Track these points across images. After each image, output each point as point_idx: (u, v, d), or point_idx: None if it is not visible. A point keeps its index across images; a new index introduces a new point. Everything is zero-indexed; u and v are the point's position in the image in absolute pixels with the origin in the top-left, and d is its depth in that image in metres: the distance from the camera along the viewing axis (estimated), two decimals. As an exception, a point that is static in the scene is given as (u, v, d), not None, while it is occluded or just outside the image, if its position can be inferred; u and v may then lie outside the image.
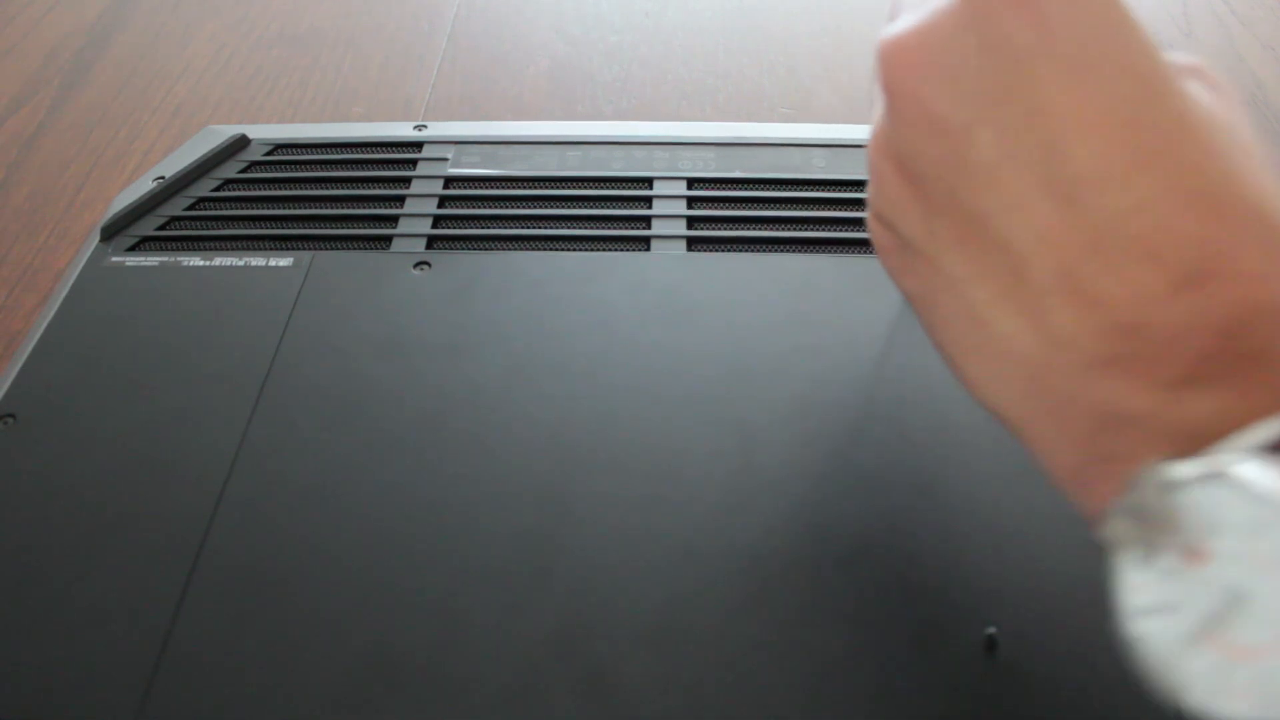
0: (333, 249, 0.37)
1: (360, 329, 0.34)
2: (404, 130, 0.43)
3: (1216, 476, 0.17)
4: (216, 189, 0.40)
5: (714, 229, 0.38)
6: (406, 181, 0.40)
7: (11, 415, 0.31)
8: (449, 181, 0.40)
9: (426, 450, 0.30)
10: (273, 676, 0.25)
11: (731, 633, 0.26)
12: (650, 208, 0.39)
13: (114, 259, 0.37)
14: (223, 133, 0.42)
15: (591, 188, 0.40)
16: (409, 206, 0.39)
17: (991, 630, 0.26)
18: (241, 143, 0.42)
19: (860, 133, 0.42)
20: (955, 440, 0.30)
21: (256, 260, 0.37)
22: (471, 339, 0.33)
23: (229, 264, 0.36)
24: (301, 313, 0.34)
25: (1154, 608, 0.18)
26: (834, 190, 0.40)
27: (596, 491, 0.29)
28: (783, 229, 0.38)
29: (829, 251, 0.37)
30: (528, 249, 0.37)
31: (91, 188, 0.48)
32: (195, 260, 0.37)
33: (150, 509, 0.29)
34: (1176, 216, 0.18)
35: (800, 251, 0.37)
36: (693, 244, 0.37)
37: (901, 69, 0.21)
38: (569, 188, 0.40)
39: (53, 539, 0.28)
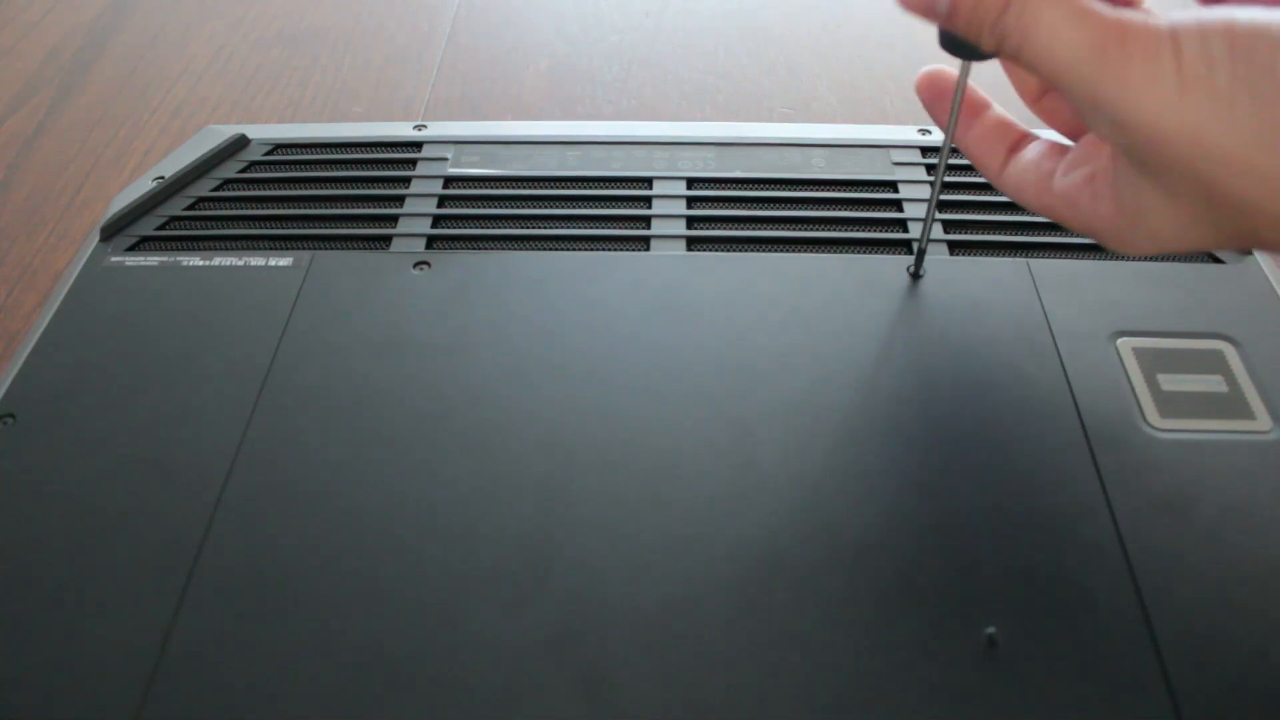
0: (332, 249, 0.37)
1: (360, 329, 0.34)
2: (404, 130, 0.43)
3: None
4: (216, 189, 0.40)
5: (714, 229, 0.38)
6: (406, 181, 0.40)
7: (11, 415, 0.31)
8: (449, 181, 0.40)
9: (426, 450, 0.30)
10: (273, 676, 0.25)
11: (731, 633, 0.26)
12: (650, 207, 0.39)
13: (114, 259, 0.37)
14: (222, 133, 0.42)
15: (591, 188, 0.40)
16: (409, 206, 0.39)
17: (991, 630, 0.26)
18: (241, 143, 0.42)
19: (859, 132, 0.42)
20: (955, 440, 0.30)
21: (256, 260, 0.37)
22: (471, 339, 0.33)
23: (229, 264, 0.36)
24: (301, 313, 0.34)
25: None
26: (833, 190, 0.40)
27: (596, 491, 0.29)
28: (782, 229, 0.38)
29: (829, 251, 0.37)
30: (527, 249, 0.37)
31: (91, 188, 0.48)
32: (195, 260, 0.37)
33: (150, 509, 0.29)
34: None
35: (800, 251, 0.37)
36: (692, 244, 0.37)
37: None
38: (569, 188, 0.40)
39: (52, 539, 0.28)
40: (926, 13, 0.25)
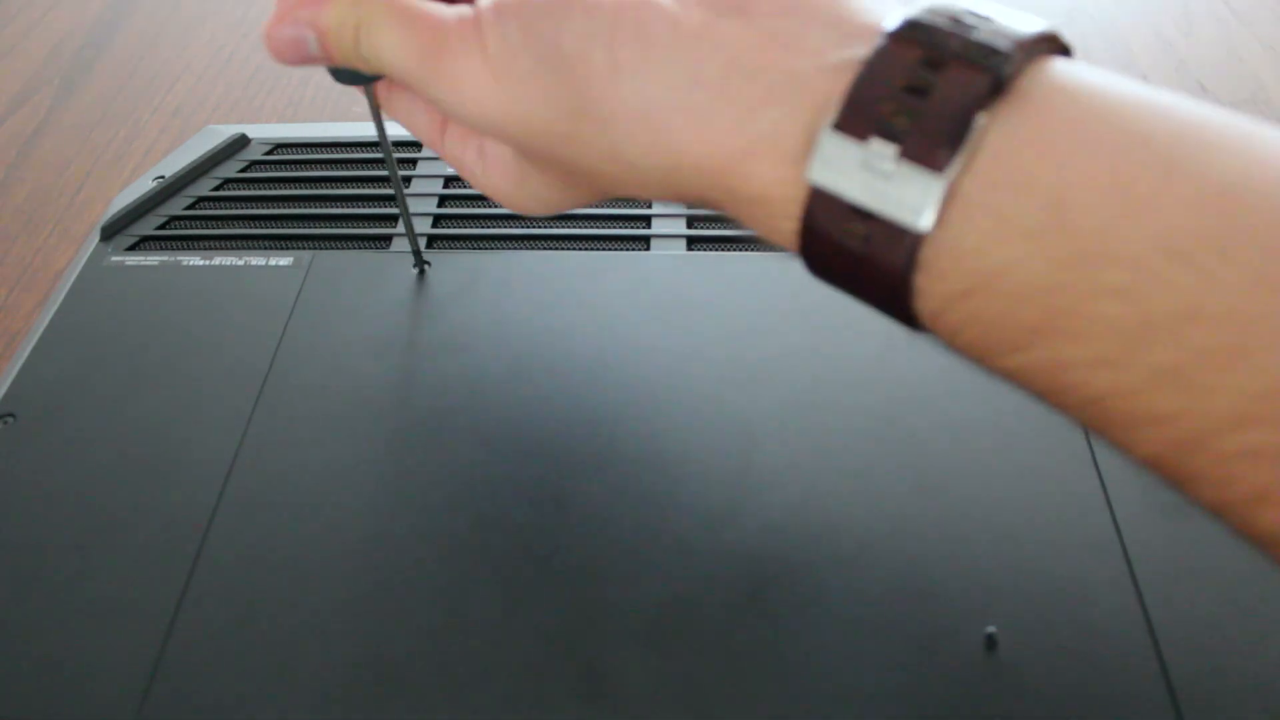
0: (332, 249, 0.37)
1: (360, 329, 0.34)
2: (404, 130, 0.43)
3: None
4: (216, 188, 0.40)
5: (714, 228, 0.38)
6: (406, 181, 0.40)
7: (11, 415, 0.31)
8: (449, 181, 0.40)
9: (426, 450, 0.30)
10: (273, 676, 0.25)
11: (731, 632, 0.26)
12: (650, 207, 0.39)
13: (114, 259, 0.37)
14: (222, 132, 0.42)
15: (591, 187, 0.40)
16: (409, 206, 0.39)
17: (991, 630, 0.26)
18: (241, 142, 0.42)
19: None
20: (955, 440, 0.30)
21: (256, 260, 0.37)
22: (471, 339, 0.33)
23: (229, 264, 0.36)
24: (301, 313, 0.34)
25: None
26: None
27: (597, 490, 0.29)
28: (783, 229, 0.38)
29: (829, 251, 0.37)
30: (527, 248, 0.37)
31: (91, 187, 0.48)
32: (195, 260, 0.37)
33: (150, 509, 0.29)
34: None
35: (800, 251, 0.37)
36: (693, 243, 0.37)
37: None
38: (569, 187, 0.40)
39: (53, 539, 0.28)
40: (303, 60, 0.25)
